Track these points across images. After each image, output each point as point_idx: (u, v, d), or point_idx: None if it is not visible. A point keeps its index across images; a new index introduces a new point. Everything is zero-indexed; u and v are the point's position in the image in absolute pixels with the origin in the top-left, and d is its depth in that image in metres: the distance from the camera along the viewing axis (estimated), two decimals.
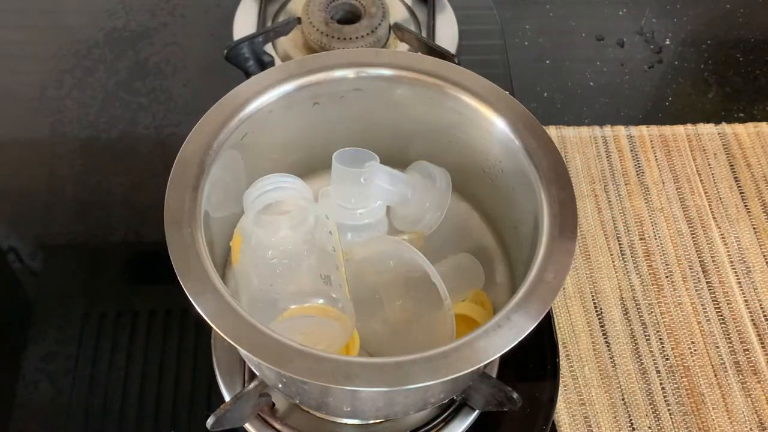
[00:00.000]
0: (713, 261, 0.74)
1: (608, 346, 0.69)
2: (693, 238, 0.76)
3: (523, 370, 0.62)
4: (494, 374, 0.60)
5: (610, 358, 0.68)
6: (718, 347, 0.69)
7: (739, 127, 0.85)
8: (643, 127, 0.84)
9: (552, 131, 0.83)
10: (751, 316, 0.71)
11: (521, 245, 0.55)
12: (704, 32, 0.95)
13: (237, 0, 0.83)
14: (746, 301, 0.72)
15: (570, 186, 0.50)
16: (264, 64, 0.76)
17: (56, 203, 0.73)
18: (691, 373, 0.68)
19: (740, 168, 0.81)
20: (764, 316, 0.71)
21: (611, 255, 0.74)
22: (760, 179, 0.80)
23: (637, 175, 0.80)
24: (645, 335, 0.69)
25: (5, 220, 0.73)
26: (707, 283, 0.73)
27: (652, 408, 0.66)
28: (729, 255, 0.75)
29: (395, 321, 0.56)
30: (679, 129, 0.84)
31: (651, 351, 0.68)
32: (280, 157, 0.59)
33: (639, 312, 0.71)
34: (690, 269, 0.74)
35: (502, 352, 0.43)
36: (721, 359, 0.69)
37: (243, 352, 0.44)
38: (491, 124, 0.54)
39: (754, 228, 0.77)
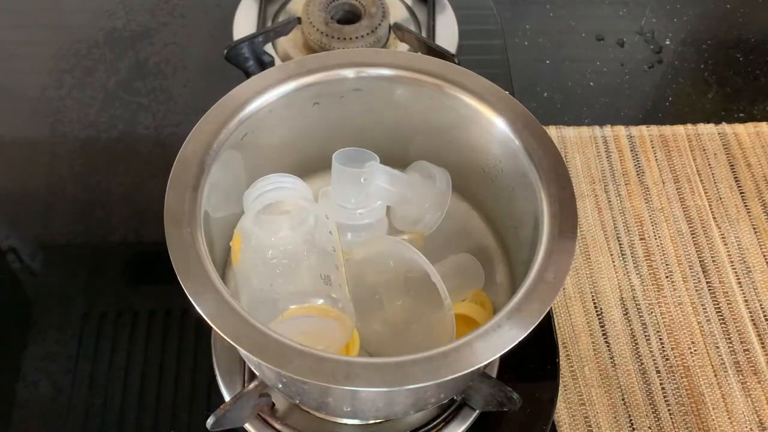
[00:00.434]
0: (713, 261, 0.74)
1: (608, 346, 0.69)
2: (693, 238, 0.76)
3: (523, 370, 0.62)
4: (494, 374, 0.60)
5: (610, 358, 0.68)
6: (718, 347, 0.69)
7: (739, 127, 0.84)
8: (643, 127, 0.84)
9: (552, 131, 0.83)
10: (751, 316, 0.71)
11: (521, 245, 0.55)
12: (704, 32, 0.95)
13: (237, 0, 0.83)
14: (746, 301, 0.72)
15: (570, 186, 0.50)
16: (264, 64, 0.76)
17: (56, 203, 0.73)
18: (691, 373, 0.68)
19: (740, 168, 0.81)
20: (764, 316, 0.71)
21: (611, 255, 0.74)
22: (760, 179, 0.80)
23: (637, 175, 0.80)
24: (645, 335, 0.69)
25: (5, 220, 0.73)
26: (707, 283, 0.73)
27: (652, 408, 0.66)
28: (729, 255, 0.75)
29: (395, 321, 0.56)
30: (679, 129, 0.84)
31: (651, 351, 0.68)
32: (280, 157, 0.59)
33: (639, 312, 0.71)
34: (690, 269, 0.74)
35: (502, 352, 0.43)
36: (721, 359, 0.69)
37: (243, 352, 0.44)
38: (491, 124, 0.54)
39: (754, 228, 0.77)
